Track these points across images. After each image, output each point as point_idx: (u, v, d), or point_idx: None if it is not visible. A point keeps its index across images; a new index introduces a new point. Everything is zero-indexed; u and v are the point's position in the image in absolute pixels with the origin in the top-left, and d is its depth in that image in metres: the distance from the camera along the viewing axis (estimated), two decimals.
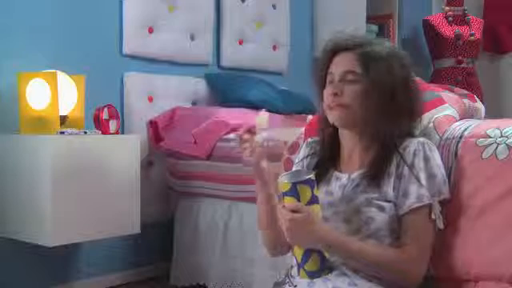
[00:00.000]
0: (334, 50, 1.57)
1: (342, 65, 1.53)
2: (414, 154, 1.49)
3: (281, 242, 1.56)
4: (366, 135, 1.55)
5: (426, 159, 1.49)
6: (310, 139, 1.72)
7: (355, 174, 1.54)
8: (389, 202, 1.48)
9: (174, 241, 2.97)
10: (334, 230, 1.48)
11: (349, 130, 1.56)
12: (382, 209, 1.47)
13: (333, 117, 1.54)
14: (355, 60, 1.52)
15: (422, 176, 1.47)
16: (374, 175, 1.49)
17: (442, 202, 1.50)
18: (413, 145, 1.50)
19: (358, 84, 1.51)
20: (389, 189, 1.48)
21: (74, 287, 2.79)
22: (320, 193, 1.52)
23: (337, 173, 1.58)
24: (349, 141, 1.58)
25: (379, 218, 1.47)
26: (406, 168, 1.48)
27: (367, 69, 1.50)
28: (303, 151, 1.71)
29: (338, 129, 1.60)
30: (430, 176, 1.48)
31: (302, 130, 2.30)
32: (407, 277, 1.46)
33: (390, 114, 1.51)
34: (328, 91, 1.54)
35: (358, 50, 1.53)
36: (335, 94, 1.52)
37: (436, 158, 1.51)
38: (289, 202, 1.41)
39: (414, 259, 1.46)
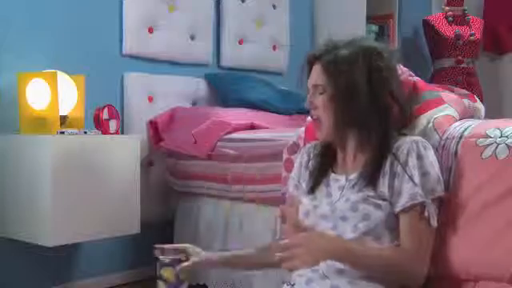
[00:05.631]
0: (310, 63, 1.59)
1: (311, 78, 1.57)
2: (408, 153, 1.49)
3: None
4: (355, 137, 1.56)
5: (420, 157, 1.49)
6: (307, 145, 1.74)
7: (352, 176, 1.55)
8: (385, 200, 1.48)
9: (174, 241, 2.96)
10: (337, 237, 1.49)
11: (330, 142, 1.59)
12: (378, 207, 1.48)
13: (315, 129, 1.60)
14: (320, 70, 1.54)
15: (415, 174, 1.47)
16: (370, 176, 1.50)
17: (438, 201, 1.50)
18: (406, 143, 1.51)
19: (324, 94, 1.54)
20: (384, 188, 1.49)
21: (73, 287, 2.79)
22: (320, 194, 1.56)
23: (334, 175, 1.60)
24: (340, 144, 1.59)
25: (375, 216, 1.48)
26: (399, 167, 1.48)
27: (330, 76, 1.53)
28: (301, 158, 1.72)
29: None
30: (424, 174, 1.48)
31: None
32: (409, 276, 1.46)
33: (373, 114, 1.51)
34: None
35: (323, 59, 1.55)
36: (310, 107, 1.57)
37: (430, 157, 1.50)
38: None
39: (412, 258, 1.46)
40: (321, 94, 1.54)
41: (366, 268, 1.45)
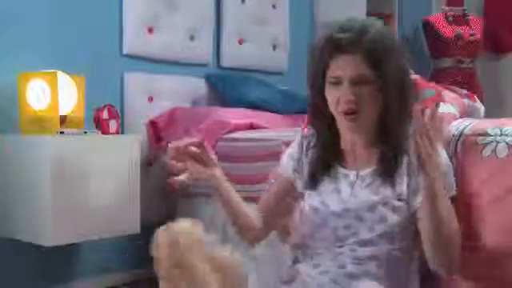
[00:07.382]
0: (334, 50, 1.48)
1: (349, 68, 1.45)
2: None
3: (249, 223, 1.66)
4: (370, 132, 1.52)
5: None
6: (303, 134, 1.66)
7: (364, 172, 1.52)
8: (402, 200, 1.46)
9: None
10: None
11: (360, 133, 1.52)
12: (394, 209, 1.46)
13: (349, 124, 1.49)
14: (362, 61, 1.45)
15: None
16: (386, 173, 1.48)
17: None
18: None
19: (371, 85, 1.45)
20: (403, 187, 1.47)
21: (73, 287, 2.79)
22: (328, 190, 1.53)
23: (342, 169, 1.55)
24: (349, 135, 1.55)
25: (392, 219, 1.46)
26: (414, 165, 1.44)
27: (378, 68, 1.45)
28: (298, 147, 1.64)
29: (333, 120, 1.54)
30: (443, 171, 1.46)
31: None
32: (455, 253, 1.43)
33: (399, 111, 1.48)
34: (337, 95, 1.47)
35: (361, 47, 1.44)
36: (350, 101, 1.46)
37: (442, 154, 1.49)
38: None
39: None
40: (364, 84, 1.45)
41: (443, 214, 1.38)
